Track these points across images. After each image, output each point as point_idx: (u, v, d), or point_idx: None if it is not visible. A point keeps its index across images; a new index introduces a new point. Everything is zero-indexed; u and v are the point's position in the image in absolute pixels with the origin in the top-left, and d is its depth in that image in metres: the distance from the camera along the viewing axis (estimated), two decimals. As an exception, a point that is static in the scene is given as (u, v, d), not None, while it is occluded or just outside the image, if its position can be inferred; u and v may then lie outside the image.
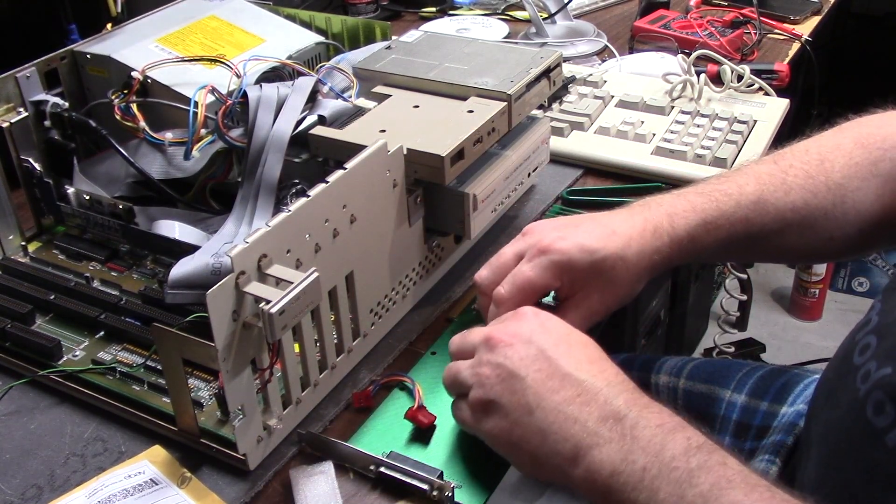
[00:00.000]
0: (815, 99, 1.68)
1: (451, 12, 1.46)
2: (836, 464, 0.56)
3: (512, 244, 0.66)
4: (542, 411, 0.53)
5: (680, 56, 1.16)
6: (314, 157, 0.74)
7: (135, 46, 0.85)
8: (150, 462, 0.61)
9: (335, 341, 0.66)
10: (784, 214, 0.66)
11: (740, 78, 1.07)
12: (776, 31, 1.34)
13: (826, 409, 0.59)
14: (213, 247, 0.71)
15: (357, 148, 0.65)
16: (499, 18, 1.42)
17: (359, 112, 0.77)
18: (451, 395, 0.61)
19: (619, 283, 0.64)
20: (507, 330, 0.57)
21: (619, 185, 0.93)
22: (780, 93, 1.09)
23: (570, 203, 0.90)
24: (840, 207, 0.67)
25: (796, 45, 1.31)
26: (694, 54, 1.09)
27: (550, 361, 0.54)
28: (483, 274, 0.66)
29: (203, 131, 0.76)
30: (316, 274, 0.55)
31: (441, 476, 0.57)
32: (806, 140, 0.71)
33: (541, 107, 0.85)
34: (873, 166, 0.68)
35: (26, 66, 0.79)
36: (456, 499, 0.57)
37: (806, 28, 1.37)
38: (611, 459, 0.50)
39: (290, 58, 0.89)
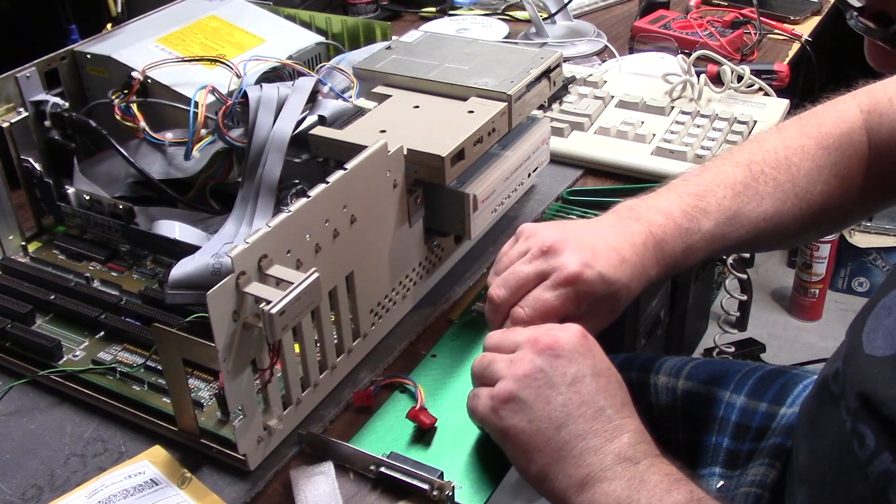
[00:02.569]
0: (815, 99, 1.68)
1: (451, 12, 1.46)
2: (823, 497, 0.56)
3: (531, 260, 0.64)
4: (569, 433, 0.54)
5: (680, 56, 1.16)
6: (314, 157, 0.74)
7: (135, 46, 0.85)
8: (150, 462, 0.61)
9: (335, 342, 0.66)
10: (757, 224, 0.69)
11: (740, 78, 1.07)
12: (776, 31, 1.34)
13: (810, 438, 0.58)
14: (213, 247, 0.71)
15: (357, 148, 0.65)
16: (499, 18, 1.42)
17: (359, 112, 0.77)
18: (475, 383, 0.61)
19: (619, 308, 0.66)
20: (558, 339, 0.57)
21: (619, 185, 0.93)
22: (780, 93, 1.09)
23: (570, 203, 0.90)
24: (806, 211, 0.71)
25: (796, 46, 1.31)
26: (694, 54, 1.09)
27: (590, 389, 0.55)
28: (500, 293, 0.64)
29: (203, 131, 0.76)
30: (316, 274, 0.55)
31: (441, 476, 0.57)
32: (774, 135, 0.73)
33: (541, 107, 0.85)
34: (834, 167, 0.71)
35: (26, 66, 0.79)
36: (456, 499, 0.57)
37: (806, 28, 1.37)
38: (617, 494, 0.52)
39: (290, 58, 0.89)
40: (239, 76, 0.79)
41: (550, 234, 0.65)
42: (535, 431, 0.55)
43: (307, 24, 0.99)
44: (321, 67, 0.83)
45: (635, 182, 0.93)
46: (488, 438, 0.63)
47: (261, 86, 0.76)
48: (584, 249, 0.63)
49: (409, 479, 0.58)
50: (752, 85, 1.07)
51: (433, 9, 1.48)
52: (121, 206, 0.78)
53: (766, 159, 0.71)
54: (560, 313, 0.63)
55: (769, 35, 1.33)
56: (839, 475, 0.52)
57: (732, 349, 1.72)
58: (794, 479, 0.62)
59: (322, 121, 0.75)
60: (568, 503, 0.54)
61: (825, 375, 0.58)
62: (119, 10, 1.08)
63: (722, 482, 0.77)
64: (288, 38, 0.94)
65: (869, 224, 2.07)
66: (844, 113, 0.74)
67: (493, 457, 0.61)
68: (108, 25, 0.90)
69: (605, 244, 0.64)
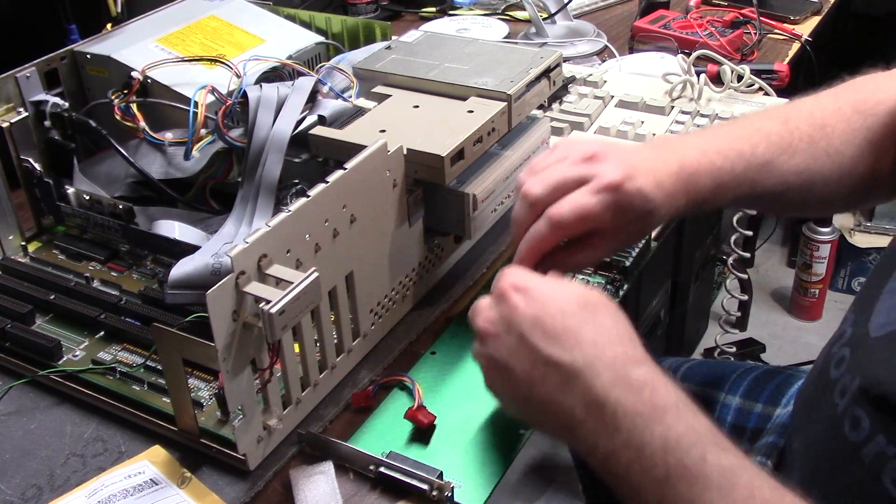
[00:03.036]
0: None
1: (451, 12, 1.46)
2: (816, 483, 0.56)
3: (573, 165, 0.62)
4: (535, 402, 0.53)
5: (680, 56, 1.16)
6: (314, 157, 0.74)
7: (135, 46, 0.85)
8: (150, 462, 0.61)
9: (335, 341, 0.66)
10: (787, 177, 0.68)
11: (740, 78, 1.07)
12: (776, 31, 1.34)
13: (806, 423, 0.59)
14: (213, 247, 0.71)
15: (357, 148, 0.65)
16: (499, 18, 1.42)
17: (359, 112, 0.77)
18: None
19: (646, 231, 0.65)
20: (489, 318, 0.56)
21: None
22: (780, 93, 1.09)
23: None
24: (837, 173, 0.70)
25: (796, 45, 1.31)
26: (694, 54, 1.09)
27: (531, 348, 0.53)
28: (537, 190, 0.61)
29: (203, 131, 0.76)
30: (316, 274, 0.55)
31: (441, 476, 0.57)
32: (811, 100, 0.73)
33: (541, 107, 0.85)
34: (868, 132, 0.71)
35: (26, 66, 0.79)
36: (456, 499, 0.57)
37: (806, 28, 1.36)
38: (600, 447, 0.51)
39: (290, 58, 0.90)
40: (239, 76, 0.79)
41: (592, 144, 0.64)
42: (521, 408, 0.56)
43: (307, 24, 0.99)
44: (321, 67, 0.83)
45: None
46: (487, 436, 0.63)
47: (260, 86, 0.76)
48: (626, 164, 0.62)
49: (408, 480, 0.58)
50: (752, 85, 1.07)
51: (433, 9, 1.48)
52: (121, 206, 0.78)
53: (801, 117, 0.71)
54: (597, 220, 0.61)
55: (769, 35, 1.33)
56: (832, 459, 0.53)
57: (733, 349, 1.72)
58: (788, 465, 0.62)
59: (322, 121, 0.75)
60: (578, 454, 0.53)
61: (825, 362, 0.58)
62: (119, 10, 1.08)
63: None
64: (288, 38, 0.94)
65: (869, 224, 2.06)
66: (883, 83, 0.74)
67: (492, 456, 0.61)
68: (108, 25, 0.90)
69: (644, 164, 0.62)
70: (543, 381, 0.53)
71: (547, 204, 0.61)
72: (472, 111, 0.74)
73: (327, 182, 0.60)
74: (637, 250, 0.80)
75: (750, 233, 1.45)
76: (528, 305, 0.54)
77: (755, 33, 1.29)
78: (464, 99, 0.76)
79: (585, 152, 0.62)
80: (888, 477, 0.49)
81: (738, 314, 1.80)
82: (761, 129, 0.69)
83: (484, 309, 0.57)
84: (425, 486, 0.57)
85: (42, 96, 0.80)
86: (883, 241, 2.05)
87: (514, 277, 0.57)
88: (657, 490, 0.48)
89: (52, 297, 0.73)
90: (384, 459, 0.59)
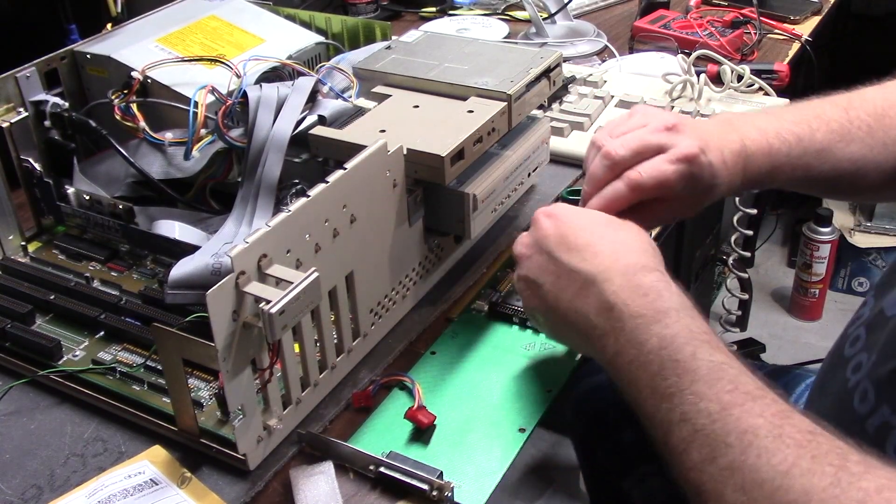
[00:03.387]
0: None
1: (451, 12, 1.46)
2: None
3: (656, 133, 0.66)
4: (561, 312, 0.60)
5: (680, 56, 1.16)
6: (314, 157, 0.74)
7: (135, 46, 0.85)
8: (150, 462, 0.61)
9: (335, 341, 0.66)
10: (842, 164, 0.71)
11: (740, 78, 1.07)
12: (776, 31, 1.34)
13: (819, 398, 0.60)
14: (213, 247, 0.71)
15: (357, 148, 0.65)
16: (499, 18, 1.42)
17: (359, 112, 0.77)
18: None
19: (704, 203, 0.68)
20: (525, 241, 0.64)
21: (619, 185, 0.93)
22: (780, 93, 1.09)
23: (570, 203, 0.90)
24: (892, 163, 0.72)
25: (796, 45, 1.31)
26: (694, 54, 1.09)
27: (556, 262, 0.60)
28: (621, 152, 0.66)
29: (203, 131, 0.76)
30: (316, 274, 0.55)
31: (441, 476, 0.57)
32: (876, 88, 0.75)
33: (541, 107, 0.85)
34: None
35: (26, 66, 0.79)
36: (456, 499, 0.57)
37: (806, 28, 1.37)
38: (608, 350, 0.56)
39: (290, 58, 0.89)
40: (239, 76, 0.79)
41: (671, 117, 0.68)
42: (553, 326, 0.62)
43: (307, 24, 0.99)
44: (321, 67, 0.83)
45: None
46: (487, 436, 0.63)
47: (260, 86, 0.76)
48: (700, 138, 0.66)
49: (408, 479, 0.58)
50: (752, 85, 1.07)
51: (433, 9, 1.48)
52: (121, 206, 0.78)
53: (863, 106, 0.73)
54: (671, 187, 0.65)
55: (769, 35, 1.33)
56: (841, 432, 0.54)
57: (733, 349, 1.72)
58: None
59: (322, 120, 0.75)
60: (598, 359, 0.58)
61: (841, 340, 0.60)
62: (119, 10, 1.08)
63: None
64: (288, 38, 0.94)
65: (869, 224, 2.06)
66: None
67: (492, 456, 0.61)
68: (108, 25, 0.90)
69: (713, 140, 0.67)
70: (565, 289, 0.59)
71: (627, 166, 0.65)
72: (472, 111, 0.74)
73: (327, 182, 0.60)
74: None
75: (750, 232, 1.45)
76: (556, 226, 0.61)
77: (755, 33, 1.29)
78: (464, 99, 0.76)
79: (666, 121, 0.66)
80: (891, 446, 0.50)
81: (739, 314, 1.81)
82: (822, 114, 0.71)
83: (522, 237, 0.65)
84: (425, 486, 0.57)
85: (42, 96, 0.80)
86: (883, 242, 2.05)
87: (547, 207, 0.64)
88: (651, 383, 0.51)
89: (52, 297, 0.73)
90: (384, 459, 0.59)
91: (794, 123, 0.70)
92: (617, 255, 0.58)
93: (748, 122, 0.70)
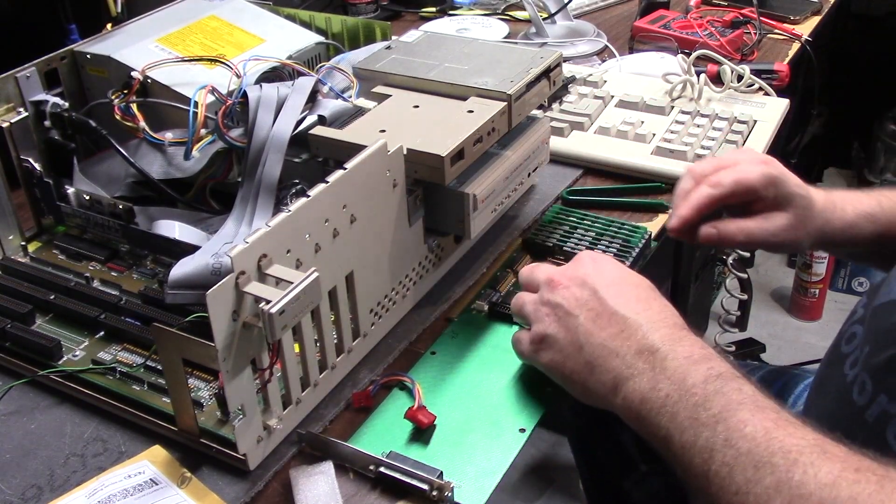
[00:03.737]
0: (815, 99, 1.68)
1: (451, 12, 1.46)
2: None
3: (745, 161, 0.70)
4: (591, 346, 0.59)
5: (680, 56, 1.16)
6: (314, 157, 0.74)
7: (135, 46, 0.85)
8: (150, 462, 0.61)
9: (335, 341, 0.66)
10: None
11: (740, 78, 1.07)
12: (776, 31, 1.34)
13: (818, 398, 0.61)
14: (213, 247, 0.71)
15: (357, 148, 0.65)
16: (499, 18, 1.42)
17: (359, 112, 0.77)
18: (518, 322, 0.69)
19: (804, 228, 0.72)
20: (566, 273, 0.63)
21: (619, 185, 0.93)
22: (780, 93, 1.09)
23: (570, 203, 0.90)
24: None
25: (796, 45, 1.31)
26: (694, 54, 1.09)
27: (601, 301, 0.60)
28: (702, 166, 0.70)
29: (203, 131, 0.76)
30: (316, 274, 0.55)
31: (441, 476, 0.57)
32: None
33: (541, 107, 0.85)
34: None
35: (26, 66, 0.79)
36: (456, 499, 0.57)
37: (806, 28, 1.37)
38: (641, 388, 0.55)
39: (290, 58, 0.89)
40: (239, 76, 0.79)
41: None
42: (566, 358, 0.60)
43: (307, 24, 0.99)
44: (321, 67, 0.83)
45: (635, 182, 0.93)
46: (487, 436, 0.63)
47: (260, 86, 0.76)
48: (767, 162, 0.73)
49: (408, 479, 0.58)
50: (752, 85, 1.07)
51: (433, 9, 1.48)
52: (121, 206, 0.78)
53: None
54: (754, 188, 0.69)
55: (769, 35, 1.33)
56: (840, 425, 0.54)
57: (733, 349, 1.72)
58: None
59: (322, 120, 0.75)
60: (613, 408, 0.58)
61: (838, 339, 0.60)
62: (119, 10, 1.08)
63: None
64: (288, 38, 0.94)
65: (869, 224, 2.06)
66: None
67: (492, 456, 0.61)
68: (108, 25, 0.90)
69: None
70: (604, 328, 0.59)
71: (708, 174, 0.69)
72: (472, 111, 0.74)
73: (327, 182, 0.60)
74: (637, 250, 0.80)
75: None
76: (608, 271, 0.63)
77: (755, 33, 1.29)
78: (464, 99, 0.76)
79: (758, 156, 0.72)
80: (891, 433, 0.51)
81: (738, 314, 1.80)
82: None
83: (549, 266, 0.66)
84: (425, 486, 0.57)
85: (42, 96, 0.80)
86: (883, 241, 2.05)
87: (592, 252, 0.67)
88: (693, 413, 0.52)
89: (52, 297, 0.73)
90: (384, 459, 0.59)
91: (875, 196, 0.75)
92: (665, 314, 0.59)
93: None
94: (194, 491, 0.59)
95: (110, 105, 0.79)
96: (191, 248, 0.72)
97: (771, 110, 1.03)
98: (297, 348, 0.61)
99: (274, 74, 0.84)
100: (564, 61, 0.90)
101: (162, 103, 0.80)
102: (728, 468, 0.49)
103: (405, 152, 0.68)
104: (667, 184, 0.91)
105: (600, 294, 0.60)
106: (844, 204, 0.73)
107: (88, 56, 0.84)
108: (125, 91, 0.80)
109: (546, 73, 0.81)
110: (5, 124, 0.77)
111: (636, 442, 0.83)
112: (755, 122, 1.00)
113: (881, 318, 0.57)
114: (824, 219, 0.72)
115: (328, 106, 0.76)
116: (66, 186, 0.81)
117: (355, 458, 0.60)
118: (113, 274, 0.78)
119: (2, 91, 0.77)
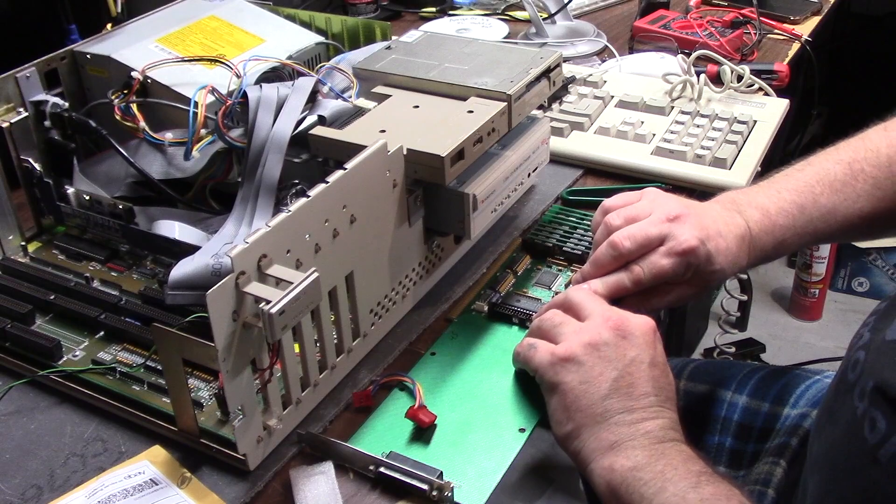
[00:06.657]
0: (815, 99, 1.68)
1: (451, 12, 1.46)
2: (835, 485, 0.56)
3: (658, 224, 0.68)
4: (611, 402, 0.59)
5: (680, 56, 1.16)
6: (314, 157, 0.74)
7: (135, 46, 0.85)
8: (150, 462, 0.61)
9: (335, 341, 0.66)
10: (851, 220, 0.72)
11: (740, 78, 1.07)
12: (776, 31, 1.34)
13: (827, 426, 0.60)
14: (213, 247, 0.71)
15: (357, 148, 0.65)
16: (499, 18, 1.42)
17: (359, 112, 0.77)
18: (533, 335, 0.66)
19: (710, 287, 0.71)
20: (629, 323, 0.62)
21: (619, 185, 0.93)
22: (780, 93, 1.09)
23: (570, 203, 0.90)
24: None
25: (796, 46, 1.31)
26: (694, 54, 1.10)
27: (643, 376, 0.60)
28: (627, 245, 0.68)
29: (203, 131, 0.76)
30: (316, 274, 0.55)
31: (441, 476, 0.57)
32: (879, 135, 0.76)
33: (541, 107, 0.85)
34: None
35: (26, 66, 0.79)
36: (456, 499, 0.57)
37: (806, 28, 1.37)
38: (637, 457, 0.56)
39: (290, 58, 0.89)
40: (239, 76, 0.79)
41: (676, 205, 0.70)
42: (583, 392, 0.59)
43: (307, 24, 0.99)
44: (321, 67, 0.83)
45: (635, 182, 0.93)
46: (487, 436, 0.63)
47: (260, 86, 0.76)
48: (701, 228, 0.68)
49: (408, 480, 0.58)
50: (752, 85, 1.07)
51: (433, 9, 1.48)
52: (121, 206, 0.78)
53: (867, 157, 0.73)
54: (667, 277, 0.68)
55: (769, 35, 1.33)
56: (850, 461, 0.53)
57: (732, 349, 1.72)
58: (808, 468, 0.63)
59: (322, 121, 0.75)
60: (589, 463, 0.58)
61: (844, 365, 0.59)
62: (119, 10, 1.08)
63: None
64: (288, 38, 0.94)
65: (869, 224, 2.06)
66: None
67: (492, 456, 0.61)
68: (108, 25, 0.90)
69: (716, 229, 0.69)
70: (636, 398, 0.59)
71: (632, 259, 0.68)
72: (472, 111, 0.74)
73: (327, 182, 0.60)
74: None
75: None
76: (660, 352, 0.62)
77: (755, 33, 1.29)
78: (464, 99, 0.76)
79: (669, 212, 0.69)
80: None
81: (738, 314, 1.80)
82: (824, 176, 0.73)
83: (604, 304, 0.65)
84: (425, 486, 0.57)
85: (42, 96, 0.80)
86: (883, 241, 2.05)
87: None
88: (680, 491, 0.54)
89: (52, 297, 0.73)
90: (384, 459, 0.59)
91: (796, 193, 0.72)
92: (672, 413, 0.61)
93: (750, 201, 0.72)
94: (194, 491, 0.59)
95: (110, 105, 0.79)
96: (191, 249, 0.72)
97: (771, 110, 1.03)
98: (297, 348, 0.61)
99: (274, 75, 0.84)
100: (564, 61, 0.90)
101: (162, 103, 0.80)
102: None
103: (405, 152, 0.68)
104: (667, 184, 0.91)
105: (645, 369, 0.60)
106: (762, 234, 0.71)
107: (88, 56, 0.84)
108: (125, 91, 0.80)
109: (546, 74, 0.81)
110: (5, 124, 0.77)
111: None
112: (755, 122, 1.00)
113: (886, 355, 0.55)
114: (743, 261, 0.71)
115: (328, 106, 0.76)
116: (66, 186, 0.81)
117: (355, 459, 0.60)
118: (113, 274, 0.78)
119: (2, 91, 0.77)
